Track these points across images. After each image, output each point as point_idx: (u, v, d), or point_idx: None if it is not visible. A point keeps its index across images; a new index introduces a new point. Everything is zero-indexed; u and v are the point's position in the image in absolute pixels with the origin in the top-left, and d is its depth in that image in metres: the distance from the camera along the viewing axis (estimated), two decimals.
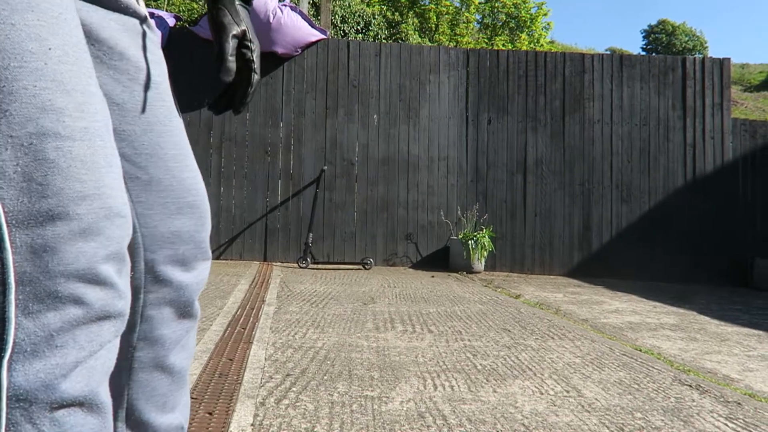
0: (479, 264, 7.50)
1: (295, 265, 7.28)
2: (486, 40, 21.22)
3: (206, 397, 2.16)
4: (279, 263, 7.43)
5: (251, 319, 3.75)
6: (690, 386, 2.74)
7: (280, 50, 7.51)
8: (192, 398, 2.13)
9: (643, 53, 49.21)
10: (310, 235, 7.17)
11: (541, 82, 8.08)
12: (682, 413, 2.31)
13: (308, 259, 7.11)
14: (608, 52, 20.61)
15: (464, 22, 20.27)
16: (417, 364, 2.84)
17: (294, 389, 2.32)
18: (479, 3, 20.83)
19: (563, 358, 3.15)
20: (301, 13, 7.60)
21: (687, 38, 53.33)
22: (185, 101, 7.61)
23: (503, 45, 20.36)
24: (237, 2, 1.19)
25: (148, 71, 1.06)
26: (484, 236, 7.38)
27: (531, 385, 2.59)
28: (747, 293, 7.30)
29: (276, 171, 7.66)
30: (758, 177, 8.25)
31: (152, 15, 7.37)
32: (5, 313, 0.66)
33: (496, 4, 21.13)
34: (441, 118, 7.93)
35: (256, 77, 1.20)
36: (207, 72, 7.58)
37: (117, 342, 0.79)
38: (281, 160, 7.67)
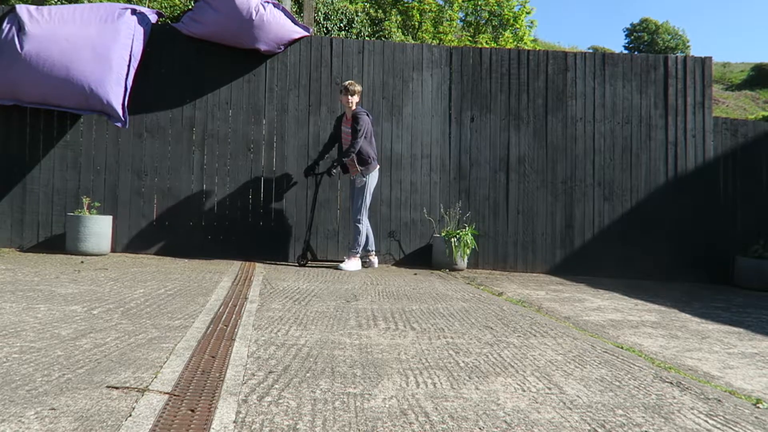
0: (462, 261, 7.52)
1: (277, 263, 7.26)
2: (469, 38, 21.26)
3: (188, 394, 2.15)
4: (261, 260, 7.40)
5: (234, 316, 3.73)
6: (671, 383, 2.76)
7: (263, 47, 7.47)
8: (174, 395, 2.11)
9: (626, 52, 49.46)
10: (309, 233, 7.21)
11: (524, 80, 8.10)
12: (663, 410, 2.33)
13: (308, 257, 7.14)
14: (591, 51, 20.67)
15: (447, 20, 20.29)
16: (399, 361, 2.84)
17: (276, 386, 2.31)
18: (462, 1, 20.85)
19: (545, 355, 3.16)
20: (284, 10, 7.56)
21: (669, 37, 53.80)
22: (168, 97, 7.58)
23: (486, 43, 20.40)
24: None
25: None
26: (467, 234, 7.40)
27: (513, 382, 2.59)
28: (728, 291, 7.37)
29: (259, 168, 7.62)
30: (739, 176, 8.32)
31: (134, 11, 7.31)
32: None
33: (480, 2, 21.16)
34: (424, 115, 7.93)
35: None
36: (188, 67, 7.53)
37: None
38: (264, 157, 7.64)
